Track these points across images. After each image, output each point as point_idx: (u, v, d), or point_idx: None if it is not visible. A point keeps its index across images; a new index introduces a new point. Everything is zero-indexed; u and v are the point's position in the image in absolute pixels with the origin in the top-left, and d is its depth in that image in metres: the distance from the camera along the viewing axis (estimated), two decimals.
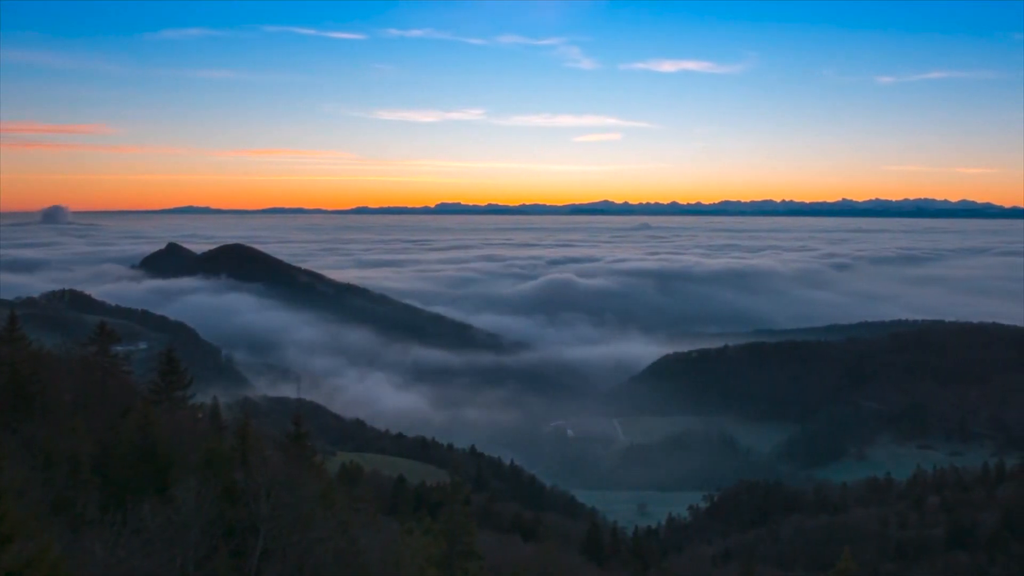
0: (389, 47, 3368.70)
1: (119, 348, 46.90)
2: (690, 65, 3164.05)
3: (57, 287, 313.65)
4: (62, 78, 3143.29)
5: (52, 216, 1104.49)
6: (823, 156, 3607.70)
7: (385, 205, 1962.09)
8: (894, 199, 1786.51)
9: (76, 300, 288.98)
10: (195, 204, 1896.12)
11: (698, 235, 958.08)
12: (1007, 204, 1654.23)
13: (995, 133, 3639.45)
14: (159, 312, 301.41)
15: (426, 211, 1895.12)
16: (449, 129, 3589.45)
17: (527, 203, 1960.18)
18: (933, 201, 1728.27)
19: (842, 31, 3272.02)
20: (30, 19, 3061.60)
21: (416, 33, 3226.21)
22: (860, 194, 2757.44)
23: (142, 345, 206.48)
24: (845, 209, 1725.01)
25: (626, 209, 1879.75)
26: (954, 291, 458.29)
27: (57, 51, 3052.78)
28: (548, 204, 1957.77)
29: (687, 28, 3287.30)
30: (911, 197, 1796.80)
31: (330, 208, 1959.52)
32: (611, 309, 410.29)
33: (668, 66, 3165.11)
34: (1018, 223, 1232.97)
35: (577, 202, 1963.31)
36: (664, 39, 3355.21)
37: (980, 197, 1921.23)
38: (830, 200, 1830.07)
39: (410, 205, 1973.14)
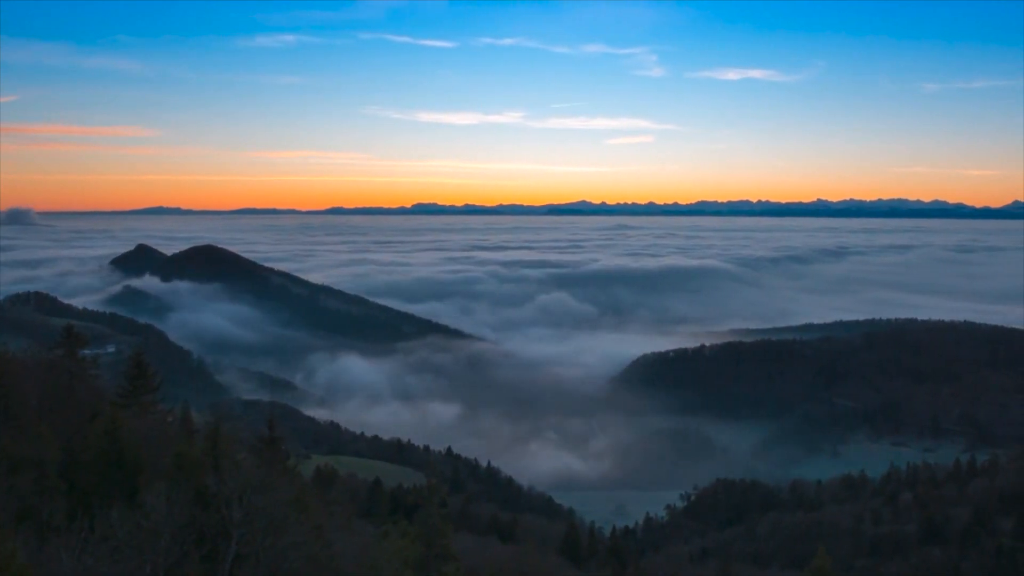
0: (476, 54, 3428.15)
1: (86, 352, 45.93)
2: (754, 73, 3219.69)
3: (22, 290, 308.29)
4: (128, 82, 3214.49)
5: (16, 218, 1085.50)
6: (801, 158, 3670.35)
7: (361, 205, 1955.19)
8: (868, 199, 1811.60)
9: (42, 303, 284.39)
10: (165, 204, 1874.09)
11: (674, 236, 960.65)
12: (978, 204, 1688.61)
13: (971, 136, 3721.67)
14: (128, 315, 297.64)
15: (402, 212, 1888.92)
16: (485, 131, 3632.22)
17: (504, 203, 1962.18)
18: (906, 201, 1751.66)
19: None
20: (115, 23, 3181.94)
21: (508, 42, 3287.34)
22: (835, 194, 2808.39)
23: (110, 348, 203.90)
24: (820, 209, 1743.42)
25: (603, 209, 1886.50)
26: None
27: (138, 54, 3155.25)
28: (525, 204, 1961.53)
29: (757, 38, 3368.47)
30: (884, 197, 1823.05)
31: (303, 209, 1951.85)
32: (589, 309, 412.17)
33: (732, 74, 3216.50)
34: (983, 223, 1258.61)
35: (554, 202, 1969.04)
36: (734, 48, 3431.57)
37: (952, 198, 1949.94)
38: (805, 200, 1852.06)
39: (387, 205, 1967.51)
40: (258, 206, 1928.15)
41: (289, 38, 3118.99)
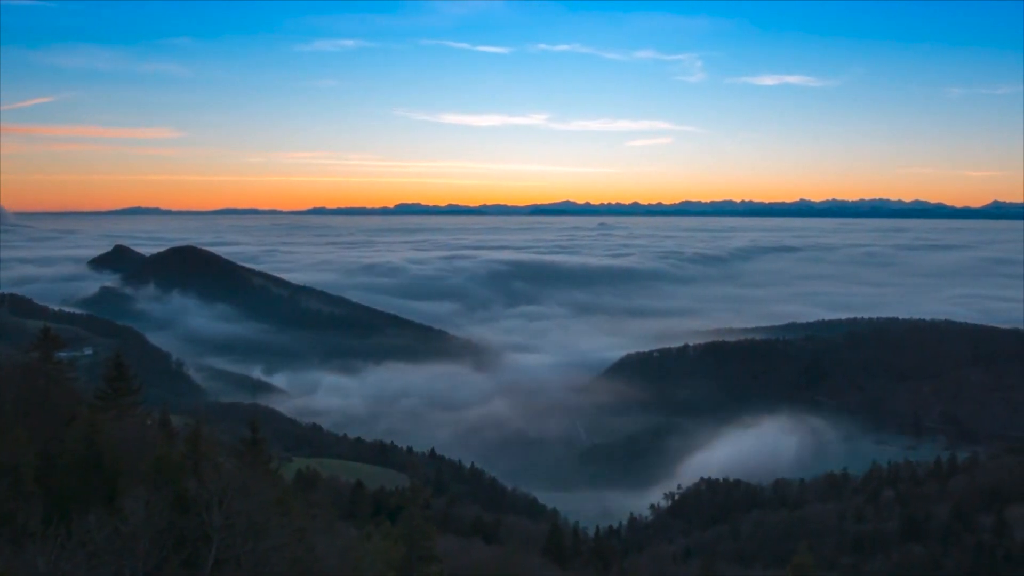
0: (528, 60, 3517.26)
1: (63, 354, 45.22)
2: (791, 79, 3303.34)
3: None
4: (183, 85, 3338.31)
5: None
6: (783, 158, 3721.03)
7: (343, 205, 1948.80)
8: (850, 199, 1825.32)
9: (17, 305, 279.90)
10: (143, 204, 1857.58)
11: (648, 236, 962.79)
12: (959, 204, 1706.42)
13: (954, 138, 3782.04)
14: (105, 316, 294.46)
15: (385, 212, 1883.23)
16: (505, 133, 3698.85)
17: (488, 203, 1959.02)
18: (887, 201, 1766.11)
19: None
20: (178, 27, 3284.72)
21: (562, 47, 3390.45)
22: (817, 195, 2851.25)
23: (87, 351, 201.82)
24: (803, 209, 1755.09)
25: (587, 209, 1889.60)
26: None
27: (192, 58, 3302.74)
28: (509, 205, 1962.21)
29: (793, 44, 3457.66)
30: (866, 197, 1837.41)
31: (285, 209, 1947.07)
32: (571, 309, 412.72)
33: (770, 79, 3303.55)
34: (961, 223, 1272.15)
35: (538, 203, 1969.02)
36: (774, 53, 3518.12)
37: (934, 198, 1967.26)
38: (788, 200, 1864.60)
39: (369, 205, 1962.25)
40: (251, 207, 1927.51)
41: (348, 43, 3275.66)
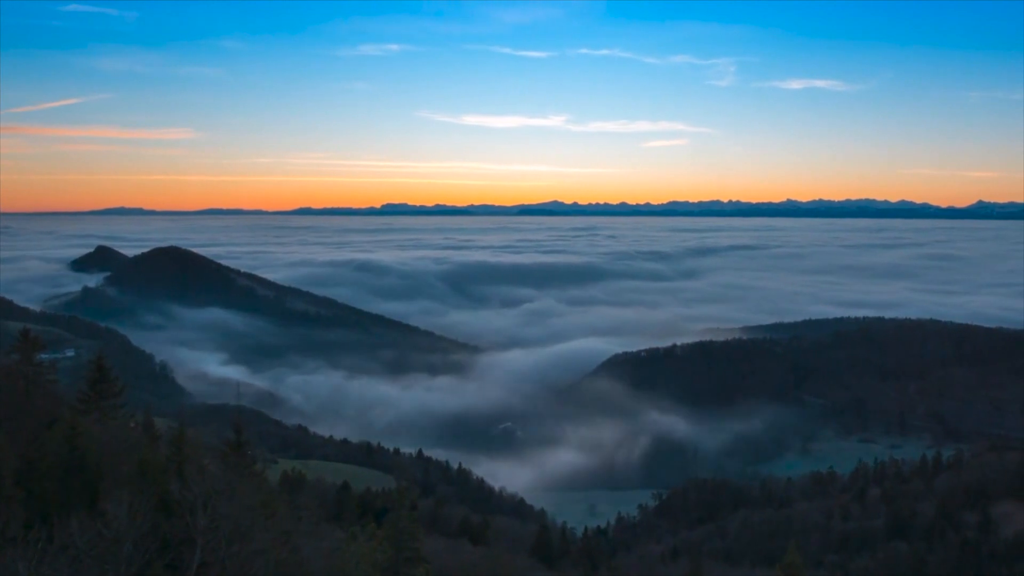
0: (568, 63, 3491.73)
1: (44, 356, 44.77)
2: (820, 83, 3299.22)
3: None
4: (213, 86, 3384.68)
5: None
6: (778, 159, 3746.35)
7: (330, 206, 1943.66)
8: (836, 199, 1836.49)
9: None
10: (126, 204, 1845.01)
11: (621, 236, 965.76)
12: (943, 204, 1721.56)
13: (944, 137, 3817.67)
14: (88, 318, 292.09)
15: (372, 212, 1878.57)
16: (521, 134, 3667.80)
17: (475, 203, 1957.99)
18: (874, 201, 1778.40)
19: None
20: (225, 27, 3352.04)
21: (603, 52, 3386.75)
22: (804, 195, 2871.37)
23: (69, 352, 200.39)
24: (790, 209, 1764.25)
25: (575, 210, 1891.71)
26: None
27: (230, 60, 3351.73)
28: (496, 205, 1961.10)
29: (827, 49, 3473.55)
30: (853, 197, 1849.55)
31: (271, 209, 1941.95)
32: (559, 307, 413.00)
33: (796, 83, 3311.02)
34: (941, 222, 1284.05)
35: (526, 203, 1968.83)
36: (805, 58, 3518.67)
37: (919, 198, 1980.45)
38: (775, 200, 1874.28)
39: (356, 206, 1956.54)
40: (235, 207, 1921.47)
41: (393, 47, 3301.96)
